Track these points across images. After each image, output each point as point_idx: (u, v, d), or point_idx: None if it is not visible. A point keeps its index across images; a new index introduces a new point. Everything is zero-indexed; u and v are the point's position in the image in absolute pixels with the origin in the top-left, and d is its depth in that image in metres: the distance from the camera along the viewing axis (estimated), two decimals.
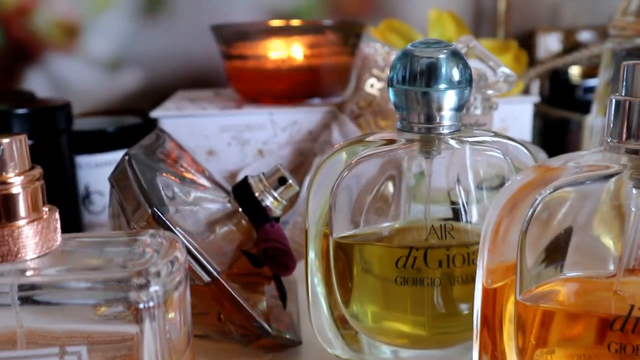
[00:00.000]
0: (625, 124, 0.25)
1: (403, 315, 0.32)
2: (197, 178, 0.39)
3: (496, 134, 0.33)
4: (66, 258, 0.24)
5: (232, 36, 0.60)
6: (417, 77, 0.30)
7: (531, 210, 0.25)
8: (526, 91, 0.76)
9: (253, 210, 0.37)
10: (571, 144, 0.70)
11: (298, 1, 0.81)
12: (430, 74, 0.30)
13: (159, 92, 0.79)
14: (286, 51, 0.60)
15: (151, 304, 0.22)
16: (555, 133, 0.72)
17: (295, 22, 0.61)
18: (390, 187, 0.33)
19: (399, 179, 0.33)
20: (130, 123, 0.57)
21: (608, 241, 0.29)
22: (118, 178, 0.33)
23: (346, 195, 0.32)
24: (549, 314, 0.26)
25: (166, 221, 0.31)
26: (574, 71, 0.75)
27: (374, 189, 0.33)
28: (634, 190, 0.26)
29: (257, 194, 0.37)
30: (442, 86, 0.31)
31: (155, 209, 0.31)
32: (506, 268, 0.27)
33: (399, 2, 0.83)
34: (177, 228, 0.31)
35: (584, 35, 0.80)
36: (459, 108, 0.31)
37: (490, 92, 0.40)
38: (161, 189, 0.32)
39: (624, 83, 0.25)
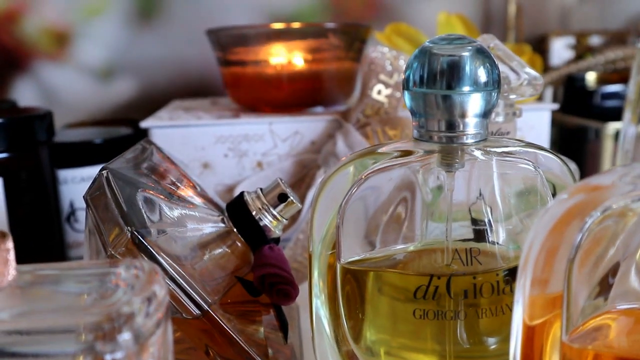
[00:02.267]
0: None
1: (421, 351, 0.28)
2: (188, 194, 0.35)
3: (528, 144, 0.29)
4: (20, 297, 0.20)
5: (228, 40, 0.56)
6: (437, 78, 0.26)
7: (580, 235, 0.21)
8: (539, 98, 0.72)
9: (249, 231, 0.33)
10: (589, 153, 0.66)
11: (299, 5, 0.78)
12: (453, 74, 0.26)
13: (153, 101, 0.75)
14: (286, 56, 0.56)
15: (119, 355, 0.18)
16: (571, 142, 0.68)
17: (296, 25, 0.57)
18: (404, 204, 0.29)
19: (414, 194, 0.29)
20: (120, 134, 0.53)
21: None
22: (94, 196, 0.29)
23: (355, 214, 0.28)
24: (598, 357, 0.22)
25: (148, 246, 0.27)
26: (591, 77, 0.71)
27: (388, 206, 0.29)
28: None
29: (254, 212, 0.33)
30: (466, 88, 0.27)
31: (136, 232, 0.27)
32: (547, 302, 0.22)
33: (405, 5, 0.79)
34: (161, 254, 0.27)
35: (595, 40, 0.77)
36: (486, 114, 0.27)
37: (513, 96, 0.36)
38: (142, 208, 0.28)
39: None
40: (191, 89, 0.76)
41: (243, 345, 0.28)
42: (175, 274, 0.27)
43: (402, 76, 0.28)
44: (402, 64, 0.50)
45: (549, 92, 0.74)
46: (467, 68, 0.26)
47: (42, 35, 0.74)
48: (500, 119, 0.36)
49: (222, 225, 0.34)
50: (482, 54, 0.27)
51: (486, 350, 0.28)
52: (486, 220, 0.28)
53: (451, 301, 0.26)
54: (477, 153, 0.28)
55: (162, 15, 0.75)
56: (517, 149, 0.28)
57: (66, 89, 0.75)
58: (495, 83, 0.27)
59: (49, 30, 0.74)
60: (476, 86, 0.27)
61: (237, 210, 0.33)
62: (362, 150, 0.28)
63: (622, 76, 0.71)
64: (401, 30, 0.63)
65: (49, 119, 0.45)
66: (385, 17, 0.79)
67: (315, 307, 0.29)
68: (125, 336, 0.18)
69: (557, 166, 0.29)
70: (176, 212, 0.32)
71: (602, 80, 0.72)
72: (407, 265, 0.29)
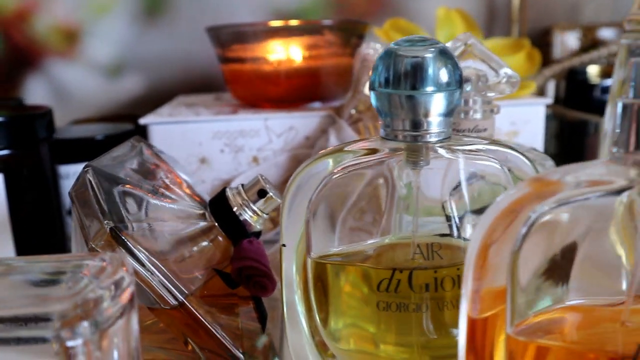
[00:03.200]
0: (634, 131, 0.21)
1: (388, 343, 0.29)
2: (174, 190, 0.36)
3: (493, 141, 0.29)
4: None
5: (227, 38, 0.58)
6: (401, 79, 0.27)
7: (524, 229, 0.22)
8: (541, 92, 0.72)
9: (230, 226, 0.34)
10: (589, 147, 0.66)
11: (302, 1, 0.79)
12: (416, 75, 0.27)
13: (160, 96, 0.77)
14: (284, 53, 0.57)
15: (79, 341, 0.20)
16: (572, 136, 0.68)
17: (293, 23, 0.58)
18: (377, 199, 0.30)
19: (388, 190, 0.30)
20: (121, 130, 0.54)
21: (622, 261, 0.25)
22: (78, 192, 0.30)
23: (327, 209, 0.29)
24: (544, 350, 0.23)
25: (125, 240, 0.28)
26: (592, 70, 0.71)
27: (359, 201, 0.30)
28: None
29: (234, 208, 0.34)
30: (429, 89, 0.27)
31: (114, 227, 0.28)
32: (496, 295, 0.23)
33: (408, 2, 0.80)
34: (138, 247, 0.28)
35: (605, 33, 0.76)
36: (449, 113, 0.28)
37: (491, 94, 0.36)
38: (121, 204, 0.29)
39: (633, 83, 0.21)
40: (196, 85, 0.78)
41: (218, 336, 0.30)
42: (152, 266, 0.28)
43: None
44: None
45: (551, 86, 0.74)
46: (430, 69, 0.27)
47: (53, 33, 0.76)
48: (478, 115, 0.37)
49: (205, 220, 0.35)
50: (444, 55, 0.28)
51: (453, 341, 0.29)
52: (453, 217, 0.29)
53: (414, 294, 0.27)
54: (442, 151, 0.29)
55: (168, 12, 0.77)
56: (483, 147, 0.29)
57: (76, 85, 0.78)
58: (458, 83, 0.28)
59: (59, 29, 0.76)
60: (439, 86, 0.27)
61: (218, 205, 0.34)
62: (330, 149, 0.29)
63: None
64: (400, 26, 0.64)
65: (49, 116, 0.46)
66: (389, 12, 0.80)
67: (288, 299, 0.30)
68: (85, 324, 0.20)
69: (525, 164, 0.29)
70: (159, 207, 0.33)
71: (606, 74, 0.71)
72: (373, 259, 0.30)
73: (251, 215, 0.34)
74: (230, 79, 0.60)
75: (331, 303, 0.30)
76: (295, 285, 0.30)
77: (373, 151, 0.29)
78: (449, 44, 0.38)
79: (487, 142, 0.29)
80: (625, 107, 0.21)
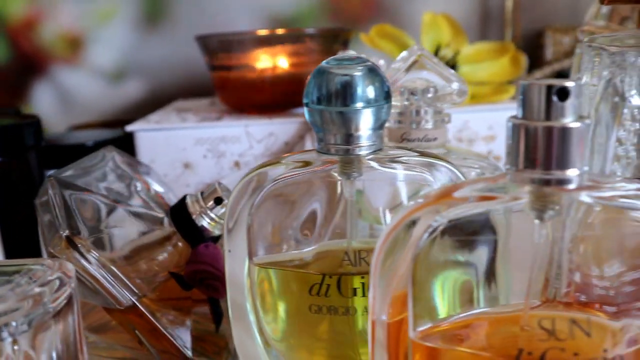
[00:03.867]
0: (523, 150, 0.23)
1: (323, 345, 0.31)
2: (141, 198, 0.38)
3: (422, 153, 0.31)
4: None
5: (213, 46, 0.60)
6: (331, 97, 0.29)
7: (426, 235, 0.23)
8: None
9: (188, 232, 0.36)
10: None
11: (298, 7, 0.81)
12: (345, 92, 0.29)
13: (161, 101, 0.79)
14: (267, 61, 0.59)
15: (10, 339, 0.22)
16: None
17: (276, 32, 0.60)
18: (317, 208, 0.32)
19: (326, 199, 0.32)
20: (110, 136, 0.57)
21: None
22: (41, 201, 0.33)
23: (268, 217, 0.31)
24: (446, 354, 0.24)
25: (78, 246, 0.30)
26: None
27: (300, 210, 0.32)
28: (536, 222, 0.24)
29: (193, 215, 0.36)
30: (359, 105, 0.29)
31: (69, 234, 0.30)
32: (403, 300, 0.25)
33: (403, 4, 0.81)
34: (92, 252, 0.31)
35: None
36: (379, 126, 0.30)
37: (441, 104, 0.38)
38: (78, 213, 0.32)
39: (522, 104, 0.23)
40: (195, 89, 0.80)
41: (168, 336, 0.32)
42: (102, 270, 0.31)
43: None
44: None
45: None
46: (359, 86, 0.29)
47: (58, 40, 0.79)
48: (429, 125, 0.38)
49: (167, 226, 0.37)
50: (372, 72, 0.29)
51: None
52: (384, 225, 0.31)
53: (342, 298, 0.29)
54: (374, 163, 0.30)
55: (168, 19, 0.80)
56: (413, 158, 0.31)
57: (80, 90, 0.81)
58: (386, 98, 0.30)
59: (64, 36, 0.79)
60: (367, 102, 0.29)
61: (178, 213, 0.37)
62: (267, 162, 0.31)
63: None
64: (385, 32, 0.65)
65: (37, 125, 0.49)
66: (384, 16, 0.81)
67: (233, 301, 0.32)
68: (14, 324, 0.22)
69: (455, 175, 0.31)
70: (122, 214, 0.36)
71: None
72: (308, 265, 0.31)
73: (209, 222, 0.36)
74: (218, 86, 0.62)
75: (271, 305, 0.32)
76: (245, 289, 0.32)
77: (307, 163, 0.30)
78: (404, 54, 0.39)
79: (417, 154, 0.31)
80: (514, 127, 0.23)
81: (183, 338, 0.33)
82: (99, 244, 0.33)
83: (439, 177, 0.30)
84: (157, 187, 0.41)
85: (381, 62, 0.54)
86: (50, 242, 0.31)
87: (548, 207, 0.23)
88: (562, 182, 0.22)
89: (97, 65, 0.80)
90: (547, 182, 0.22)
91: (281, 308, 0.31)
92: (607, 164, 0.31)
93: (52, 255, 0.31)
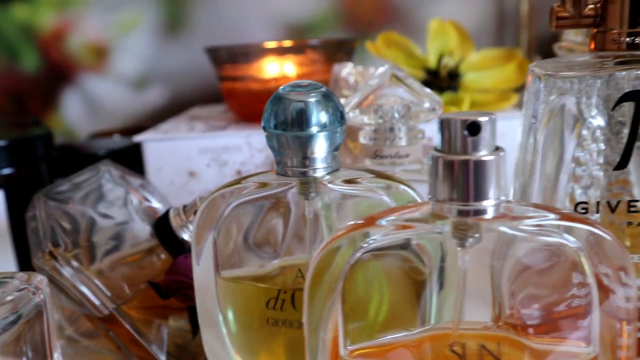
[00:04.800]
0: (442, 181, 0.24)
1: (277, 354, 0.32)
2: (131, 212, 0.41)
3: (379, 175, 0.32)
4: None
5: (220, 58, 0.62)
6: (288, 122, 0.31)
7: (352, 260, 0.25)
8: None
9: (170, 243, 0.38)
10: None
11: (313, 15, 0.82)
12: (301, 118, 0.31)
13: (181, 107, 0.82)
14: (271, 72, 0.61)
15: None
16: None
17: (276, 44, 0.62)
18: (278, 226, 0.34)
19: (285, 218, 0.33)
20: (124, 145, 0.60)
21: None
22: (30, 216, 0.35)
23: (232, 234, 0.33)
24: None
25: (59, 259, 0.33)
26: None
27: (262, 227, 0.34)
28: (458, 249, 0.25)
29: (175, 228, 0.39)
30: (313, 129, 0.31)
31: (50, 248, 0.33)
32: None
33: (416, 9, 0.81)
34: (72, 264, 0.33)
35: None
36: (334, 149, 0.31)
37: (414, 122, 0.39)
38: (61, 228, 0.34)
39: (441, 137, 0.24)
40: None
41: (143, 343, 0.34)
42: (81, 280, 0.33)
43: None
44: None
45: None
46: (314, 112, 0.30)
47: (85, 50, 0.83)
48: (403, 142, 0.39)
49: (153, 238, 0.40)
50: (327, 98, 0.31)
51: None
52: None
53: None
54: (331, 185, 0.32)
55: (187, 28, 0.83)
56: (367, 179, 0.32)
57: (106, 97, 0.85)
58: (339, 122, 0.31)
59: (91, 46, 0.83)
60: (322, 127, 0.31)
61: (161, 225, 0.39)
62: (229, 182, 0.33)
63: None
64: (392, 40, 0.66)
65: (48, 138, 0.53)
66: (396, 22, 0.82)
67: (203, 310, 0.34)
68: None
69: (408, 194, 0.32)
70: (109, 227, 0.38)
71: None
72: (267, 279, 0.33)
73: (190, 235, 0.39)
74: (226, 96, 0.64)
75: (235, 316, 0.33)
76: (215, 299, 0.34)
77: (265, 185, 0.32)
78: (381, 69, 0.40)
79: (373, 175, 0.32)
80: (433, 159, 0.24)
81: (161, 345, 0.35)
82: (84, 255, 0.35)
83: (398, 197, 0.31)
84: (153, 201, 0.43)
85: (349, 65, 0.54)
86: (36, 254, 0.34)
87: (468, 235, 0.24)
88: (479, 212, 0.23)
89: (121, 73, 0.84)
90: (464, 213, 0.23)
91: (243, 319, 0.33)
92: (560, 185, 0.31)
93: (37, 267, 0.34)
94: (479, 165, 0.23)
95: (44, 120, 0.85)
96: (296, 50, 0.61)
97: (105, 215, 0.38)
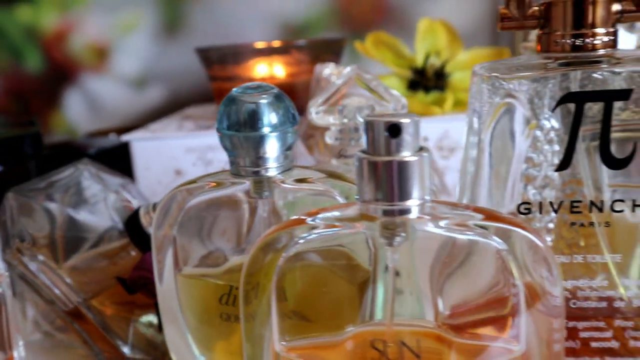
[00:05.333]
0: (367, 182, 0.24)
1: (233, 349, 0.33)
2: (106, 208, 0.42)
3: (330, 174, 0.33)
4: None
5: (209, 59, 0.63)
6: (240, 123, 0.31)
7: (282, 261, 0.25)
8: None
9: (139, 240, 0.39)
10: None
11: (309, 15, 0.83)
12: (253, 119, 0.31)
13: (180, 106, 0.84)
14: (258, 72, 0.62)
15: None
16: None
17: (262, 45, 0.62)
18: (233, 224, 0.34)
19: (239, 217, 0.34)
20: (114, 144, 0.61)
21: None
22: (0, 212, 0.37)
23: (191, 232, 0.34)
24: None
25: (24, 256, 0.34)
26: None
27: (220, 225, 0.34)
28: (387, 248, 0.25)
29: (144, 225, 0.40)
30: (266, 130, 0.31)
31: (18, 245, 0.34)
32: None
33: (412, 8, 0.82)
34: (38, 258, 0.34)
35: None
36: (287, 149, 0.32)
37: None
38: (28, 224, 0.35)
39: (366, 139, 0.24)
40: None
41: (107, 336, 0.35)
42: (47, 274, 0.34)
43: None
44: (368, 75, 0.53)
45: None
46: (265, 113, 0.31)
47: (86, 50, 0.85)
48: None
49: (124, 236, 0.41)
50: (278, 99, 0.31)
51: None
52: None
53: None
54: (285, 185, 0.32)
55: (185, 29, 0.84)
56: (320, 179, 0.33)
57: (107, 97, 0.86)
58: (291, 123, 0.32)
59: (92, 46, 0.85)
60: (273, 127, 0.31)
61: (131, 223, 0.40)
62: (186, 181, 0.34)
63: None
64: (381, 40, 0.66)
65: (36, 136, 0.54)
66: (392, 21, 0.82)
67: (164, 306, 0.35)
68: None
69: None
70: (83, 224, 0.39)
71: None
72: (221, 276, 0.34)
73: None
74: (216, 95, 0.65)
75: (196, 310, 0.34)
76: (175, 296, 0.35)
77: (219, 184, 0.33)
78: (347, 70, 0.41)
79: (325, 175, 0.33)
80: (359, 161, 0.24)
81: (127, 339, 0.36)
82: (57, 251, 0.37)
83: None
84: (133, 201, 0.44)
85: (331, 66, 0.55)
86: (5, 249, 0.35)
87: (395, 234, 0.25)
88: (403, 212, 0.24)
89: (121, 73, 0.85)
90: (389, 213, 0.24)
91: (200, 315, 0.34)
92: (509, 185, 0.32)
93: (6, 262, 0.35)
94: (402, 165, 0.23)
95: (48, 119, 0.87)
96: (282, 50, 0.62)
97: (80, 212, 0.39)
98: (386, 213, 0.24)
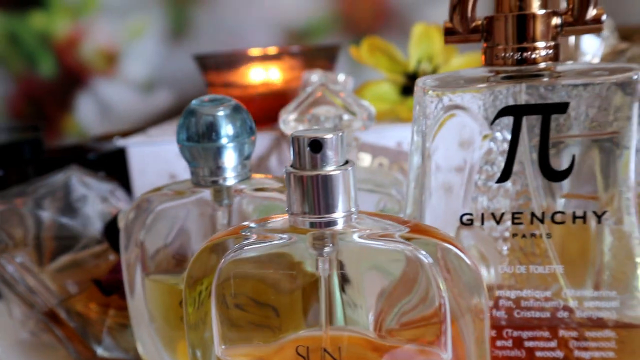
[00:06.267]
0: (295, 196, 0.25)
1: None
2: (92, 214, 0.44)
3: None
4: None
5: (205, 65, 0.65)
6: (199, 134, 0.33)
7: (220, 265, 0.27)
8: None
9: (117, 244, 0.41)
10: None
11: (311, 20, 0.84)
12: (211, 130, 0.33)
13: None
14: (251, 78, 0.63)
15: None
16: None
17: (256, 52, 0.64)
18: (193, 232, 0.36)
19: (200, 225, 0.35)
20: (111, 149, 0.64)
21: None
22: None
23: (156, 238, 0.36)
24: None
25: (2, 256, 0.36)
26: None
27: (179, 233, 0.36)
28: (319, 258, 0.26)
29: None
30: (224, 141, 0.33)
31: None
32: None
33: (413, 13, 0.82)
34: (17, 259, 0.36)
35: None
36: (245, 158, 0.33)
37: (345, 131, 0.40)
38: (8, 225, 0.37)
39: (292, 154, 0.25)
40: None
41: (79, 335, 0.37)
42: (24, 276, 0.36)
43: None
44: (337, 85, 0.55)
45: None
46: (223, 125, 0.32)
47: (97, 56, 0.88)
48: None
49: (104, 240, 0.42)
50: (236, 111, 0.33)
51: None
52: None
53: None
54: (243, 193, 0.34)
55: (191, 34, 0.86)
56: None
57: (117, 101, 0.89)
58: (248, 133, 0.33)
59: (102, 51, 0.88)
60: (231, 138, 0.33)
61: (110, 227, 0.42)
62: (152, 189, 0.36)
63: None
64: (375, 45, 0.67)
65: (37, 142, 0.56)
66: (395, 26, 0.82)
67: (134, 308, 0.37)
68: None
69: None
70: (68, 228, 0.41)
71: None
72: (182, 280, 0.35)
73: None
74: None
75: (161, 313, 0.36)
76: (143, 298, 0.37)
77: (180, 193, 0.34)
78: (315, 79, 0.42)
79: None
80: (287, 175, 0.25)
81: (101, 340, 0.38)
82: (40, 254, 0.38)
83: None
84: (118, 206, 0.46)
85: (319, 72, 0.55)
86: None
87: (324, 245, 0.26)
88: (329, 224, 0.25)
89: (130, 77, 0.88)
90: (316, 225, 0.25)
91: (164, 317, 0.35)
92: (457, 194, 0.32)
93: None
94: (326, 179, 0.24)
95: (61, 122, 0.90)
96: (277, 57, 0.63)
97: (64, 217, 0.41)
98: (313, 225, 0.25)
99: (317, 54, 0.63)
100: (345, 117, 0.40)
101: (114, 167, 0.63)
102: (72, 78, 0.89)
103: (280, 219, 0.26)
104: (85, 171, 0.47)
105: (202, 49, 0.85)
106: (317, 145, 0.24)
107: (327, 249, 0.26)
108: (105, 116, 0.89)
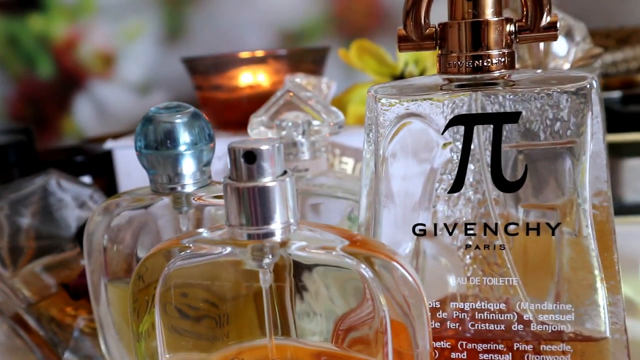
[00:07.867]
0: (233, 207, 0.25)
1: None
2: (69, 218, 0.44)
3: None
4: None
5: (192, 69, 0.65)
6: (157, 142, 0.33)
7: (164, 272, 0.27)
8: None
9: None
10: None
11: (306, 21, 0.84)
12: (169, 138, 0.32)
13: None
14: (235, 81, 0.63)
15: None
16: None
17: (244, 55, 0.64)
18: (154, 239, 0.36)
19: (161, 232, 0.35)
20: (99, 152, 0.64)
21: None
22: None
23: (118, 243, 0.36)
24: None
25: None
26: None
27: (139, 240, 0.36)
28: (259, 269, 0.26)
29: None
30: (182, 148, 0.32)
31: None
32: None
33: None
34: None
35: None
36: (204, 165, 0.33)
37: (315, 137, 0.40)
38: None
39: (230, 165, 0.25)
40: None
41: (45, 339, 0.37)
42: None
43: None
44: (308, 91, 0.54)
45: None
46: (181, 132, 0.32)
47: (94, 58, 0.88)
48: (306, 156, 0.40)
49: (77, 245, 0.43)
50: (194, 118, 0.33)
51: None
52: None
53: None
54: (202, 200, 0.34)
55: (186, 37, 0.86)
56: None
57: (113, 102, 0.89)
58: (207, 140, 0.33)
59: (99, 54, 0.88)
60: (189, 145, 0.32)
61: (81, 232, 0.42)
62: (114, 195, 0.36)
63: (609, 82, 0.67)
64: (364, 48, 0.67)
65: (21, 145, 0.57)
66: (387, 27, 0.82)
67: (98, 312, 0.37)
68: None
69: None
70: (43, 231, 0.41)
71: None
72: None
73: None
74: (201, 104, 0.67)
75: (124, 318, 0.36)
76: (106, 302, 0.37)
77: (140, 200, 0.34)
78: (286, 84, 0.42)
79: None
80: (224, 186, 0.25)
81: (70, 344, 0.38)
82: (17, 258, 0.39)
83: None
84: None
85: (300, 76, 0.55)
86: None
87: (264, 256, 0.25)
88: (267, 235, 0.25)
89: (126, 79, 0.88)
90: (253, 236, 0.25)
91: (125, 322, 0.36)
92: (414, 203, 0.32)
93: None
94: (263, 191, 0.24)
95: (59, 124, 0.90)
96: (264, 60, 0.63)
97: (40, 221, 0.42)
98: (250, 237, 0.25)
99: (304, 57, 0.63)
100: (315, 122, 0.40)
101: (103, 169, 0.63)
102: (70, 80, 0.89)
103: (219, 230, 0.26)
104: (63, 175, 0.47)
105: (197, 52, 0.86)
106: (251, 157, 0.24)
107: (266, 260, 0.25)
108: (102, 118, 0.90)
